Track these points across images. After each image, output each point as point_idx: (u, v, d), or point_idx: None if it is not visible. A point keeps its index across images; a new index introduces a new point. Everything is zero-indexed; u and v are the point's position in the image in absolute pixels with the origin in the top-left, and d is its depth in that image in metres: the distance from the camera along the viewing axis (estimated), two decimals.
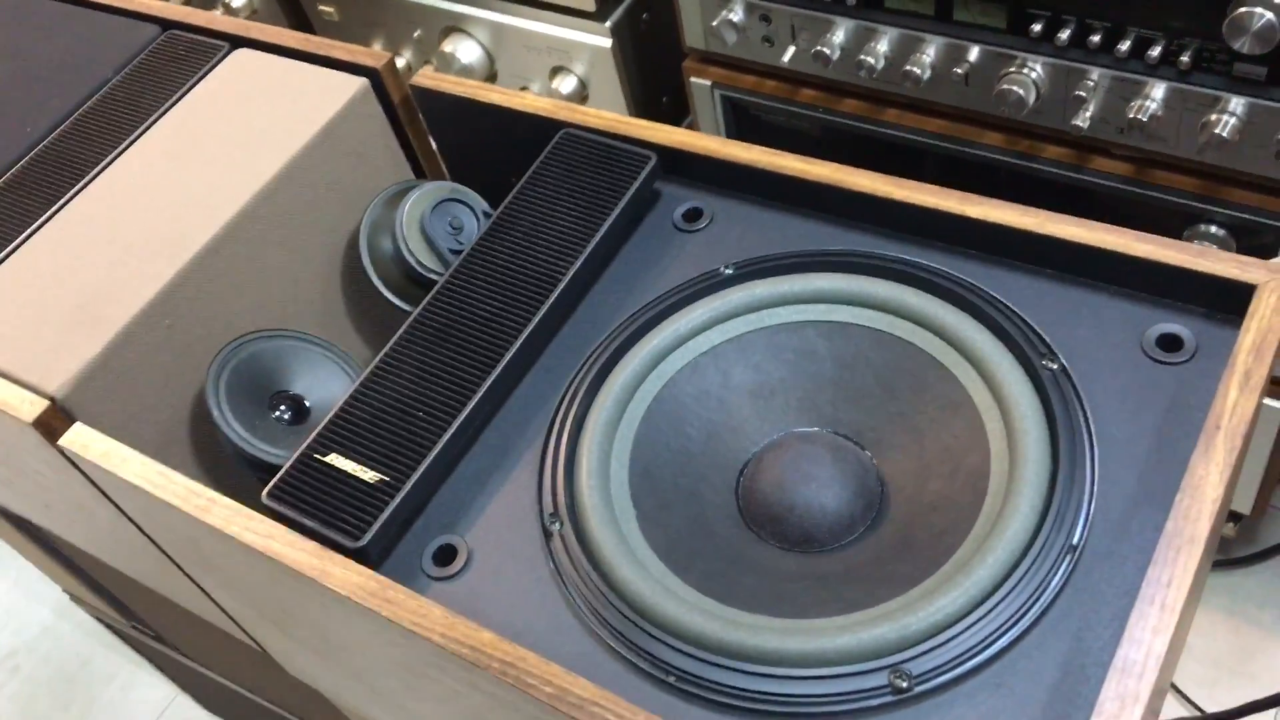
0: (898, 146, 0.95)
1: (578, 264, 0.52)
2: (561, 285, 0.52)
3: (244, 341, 0.55)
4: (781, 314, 0.49)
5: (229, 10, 1.39)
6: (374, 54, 0.64)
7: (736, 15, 0.94)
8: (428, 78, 0.63)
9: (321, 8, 1.28)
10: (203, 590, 0.62)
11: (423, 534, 0.46)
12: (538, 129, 0.59)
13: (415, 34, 1.22)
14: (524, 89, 1.15)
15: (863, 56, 0.89)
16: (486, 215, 0.61)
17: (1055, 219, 0.48)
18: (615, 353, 0.49)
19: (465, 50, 1.18)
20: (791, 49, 0.93)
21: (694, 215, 0.55)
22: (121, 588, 0.86)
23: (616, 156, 0.56)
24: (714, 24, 0.95)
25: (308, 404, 0.55)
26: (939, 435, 0.45)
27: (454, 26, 1.17)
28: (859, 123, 0.95)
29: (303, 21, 1.36)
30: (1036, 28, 0.80)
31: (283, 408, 0.55)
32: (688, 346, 0.49)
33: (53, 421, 0.52)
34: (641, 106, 1.14)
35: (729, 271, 0.51)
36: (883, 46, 0.88)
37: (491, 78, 1.19)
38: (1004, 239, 0.48)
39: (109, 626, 1.11)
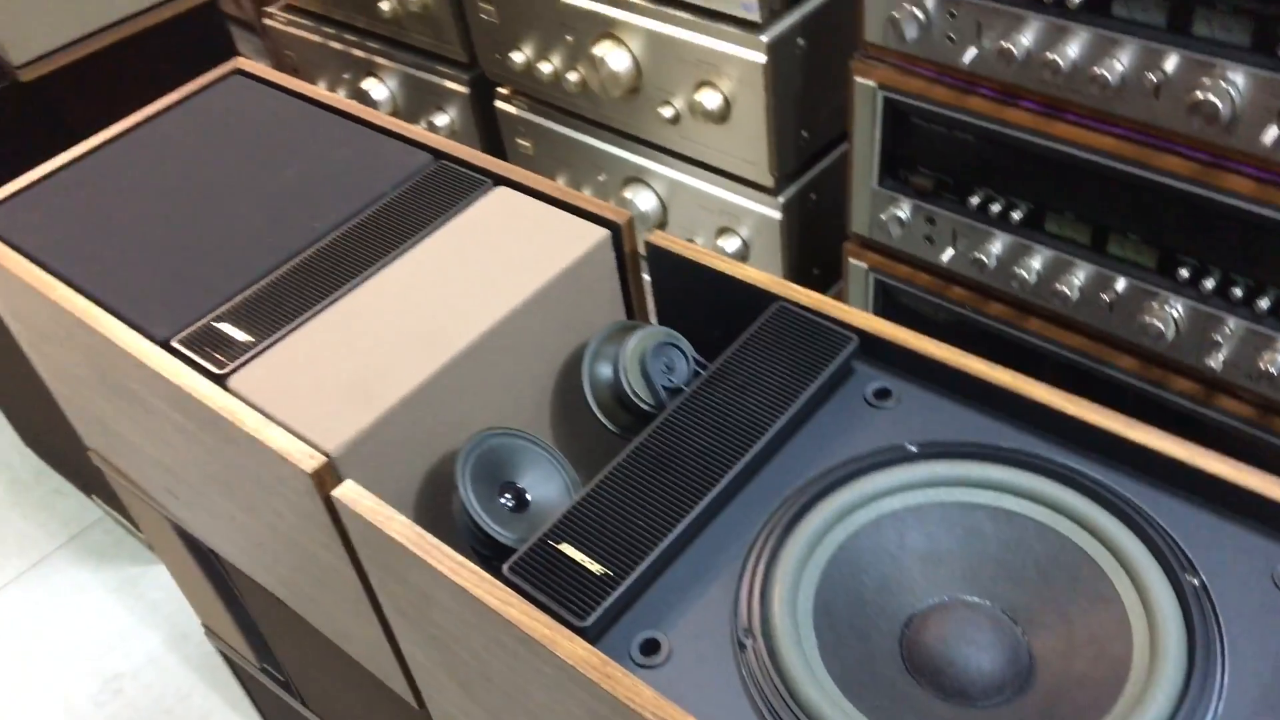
0: (1033, 351, 1.03)
1: (781, 421, 0.61)
2: (766, 437, 0.61)
3: (487, 435, 0.65)
4: (957, 493, 0.57)
5: (432, 127, 1.56)
6: (617, 210, 0.75)
7: (903, 213, 1.05)
8: (661, 238, 0.74)
9: (512, 162, 1.43)
10: (391, 642, 0.71)
11: (632, 625, 0.55)
12: (751, 296, 0.70)
13: (600, 178, 1.35)
14: (689, 240, 1.26)
15: (1017, 269, 0.98)
16: (698, 362, 0.70)
17: (1205, 454, 0.56)
18: (810, 501, 0.57)
19: (643, 199, 1.30)
20: (950, 251, 1.03)
21: (883, 394, 0.64)
22: (279, 629, 0.94)
23: (822, 333, 0.65)
24: (881, 217, 1.06)
25: (528, 496, 0.65)
26: (1088, 623, 0.52)
27: (635, 177, 1.31)
28: (1003, 326, 1.04)
29: (494, 139, 1.51)
30: (1184, 272, 0.89)
31: (508, 496, 0.64)
32: (872, 506, 0.57)
33: (324, 475, 0.62)
34: (794, 272, 1.25)
35: (913, 449, 0.59)
36: (1036, 263, 0.98)
37: (662, 225, 1.32)
38: (1159, 463, 0.56)
39: (231, 664, 1.19)
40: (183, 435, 0.75)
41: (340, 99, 0.92)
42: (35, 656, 1.50)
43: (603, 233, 0.74)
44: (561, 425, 0.76)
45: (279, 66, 1.76)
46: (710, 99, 1.13)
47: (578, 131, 1.35)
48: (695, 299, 0.74)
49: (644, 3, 1.14)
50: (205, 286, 0.75)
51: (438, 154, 0.84)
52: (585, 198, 0.77)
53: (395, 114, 1.63)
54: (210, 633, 1.16)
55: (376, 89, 1.62)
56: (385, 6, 1.50)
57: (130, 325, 0.73)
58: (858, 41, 0.99)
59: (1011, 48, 0.88)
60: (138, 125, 0.93)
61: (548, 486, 0.65)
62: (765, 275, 0.69)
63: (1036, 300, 1.00)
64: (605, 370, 0.70)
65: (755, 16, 1.05)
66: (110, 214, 0.83)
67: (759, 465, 0.61)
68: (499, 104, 1.43)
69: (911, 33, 0.93)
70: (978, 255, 1.00)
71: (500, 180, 0.81)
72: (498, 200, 0.79)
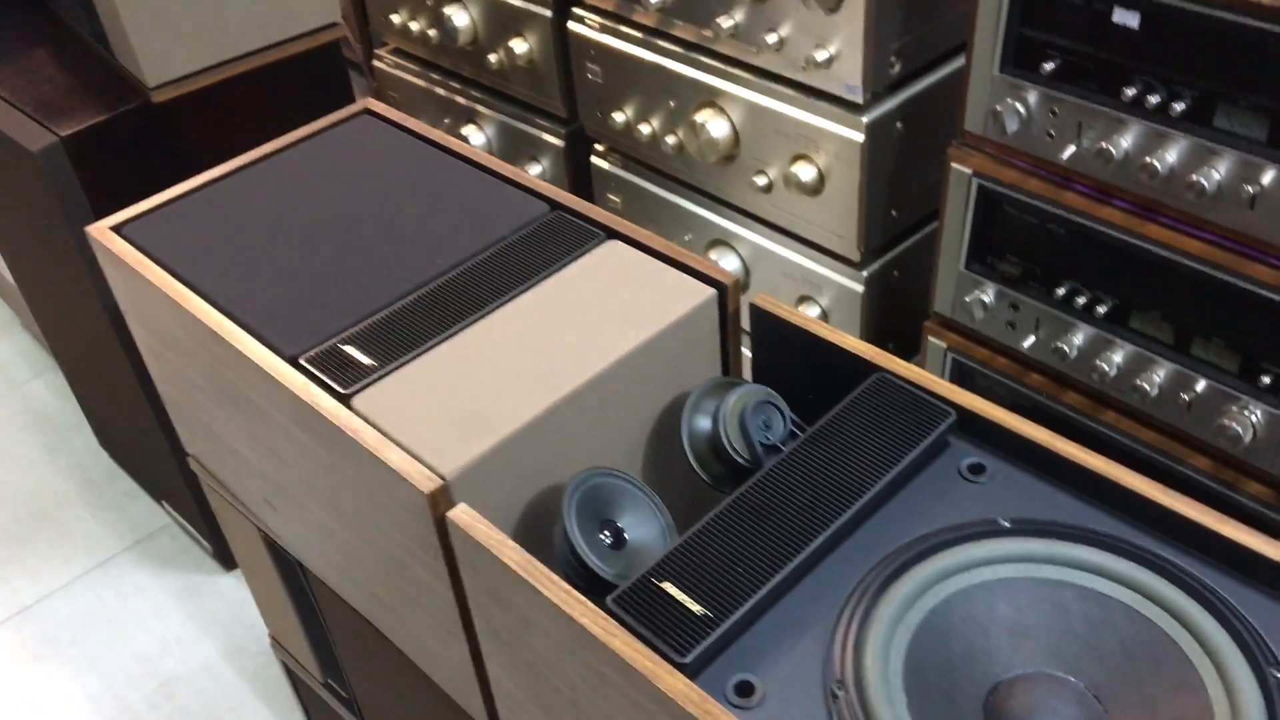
0: (1106, 442, 1.05)
1: (878, 486, 0.64)
2: (863, 500, 0.63)
3: (592, 474, 0.68)
4: (1047, 570, 0.59)
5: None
6: (722, 271, 0.79)
7: (988, 297, 1.08)
8: (766, 301, 0.77)
9: (609, 196, 1.48)
10: (476, 665, 0.74)
11: (727, 667, 0.57)
12: (850, 364, 0.73)
13: (686, 237, 1.40)
14: None
15: (1097, 361, 1.01)
16: (795, 423, 0.73)
17: None
18: (904, 565, 0.60)
19: (728, 261, 1.34)
20: (1032, 338, 1.06)
21: (978, 469, 0.66)
22: (353, 645, 0.97)
23: (921, 405, 0.68)
24: (965, 299, 1.09)
25: (626, 535, 0.68)
26: (1170, 707, 0.54)
27: (721, 240, 1.35)
28: (1078, 415, 1.06)
29: (584, 192, 1.56)
30: (1265, 380, 0.91)
31: (606, 533, 0.67)
32: (963, 576, 0.60)
33: (439, 497, 0.66)
34: (870, 343, 1.28)
35: (1006, 524, 0.62)
36: (1118, 358, 1.00)
37: (744, 288, 1.35)
38: (1246, 558, 0.58)
39: (292, 677, 1.22)
40: (297, 449, 0.79)
41: (462, 144, 0.97)
42: (94, 653, 1.54)
43: (709, 291, 0.78)
44: (652, 469, 0.79)
45: None
46: (805, 172, 1.17)
47: (668, 191, 1.39)
48: (792, 361, 0.77)
49: (749, 76, 1.19)
50: (333, 310, 0.80)
51: (554, 204, 0.89)
52: (693, 256, 0.81)
53: None
54: (276, 644, 1.19)
55: (475, 135, 1.68)
56: (493, 59, 1.57)
57: (260, 340, 0.77)
58: (957, 130, 1.03)
59: (1110, 149, 0.91)
60: (271, 154, 0.99)
61: (645, 528, 0.68)
62: (867, 345, 0.72)
63: (1114, 394, 1.02)
64: (704, 422, 0.74)
65: (858, 99, 1.09)
66: (243, 235, 0.88)
67: (854, 526, 0.64)
68: (594, 159, 1.48)
69: (1013, 126, 0.97)
70: (1059, 345, 1.03)
71: (612, 234, 0.85)
72: (611, 252, 0.83)
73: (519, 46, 1.51)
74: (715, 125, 1.24)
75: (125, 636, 1.56)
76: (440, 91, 1.72)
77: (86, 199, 1.27)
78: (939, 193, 1.05)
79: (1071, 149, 0.95)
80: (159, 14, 1.20)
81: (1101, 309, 1.00)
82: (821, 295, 1.26)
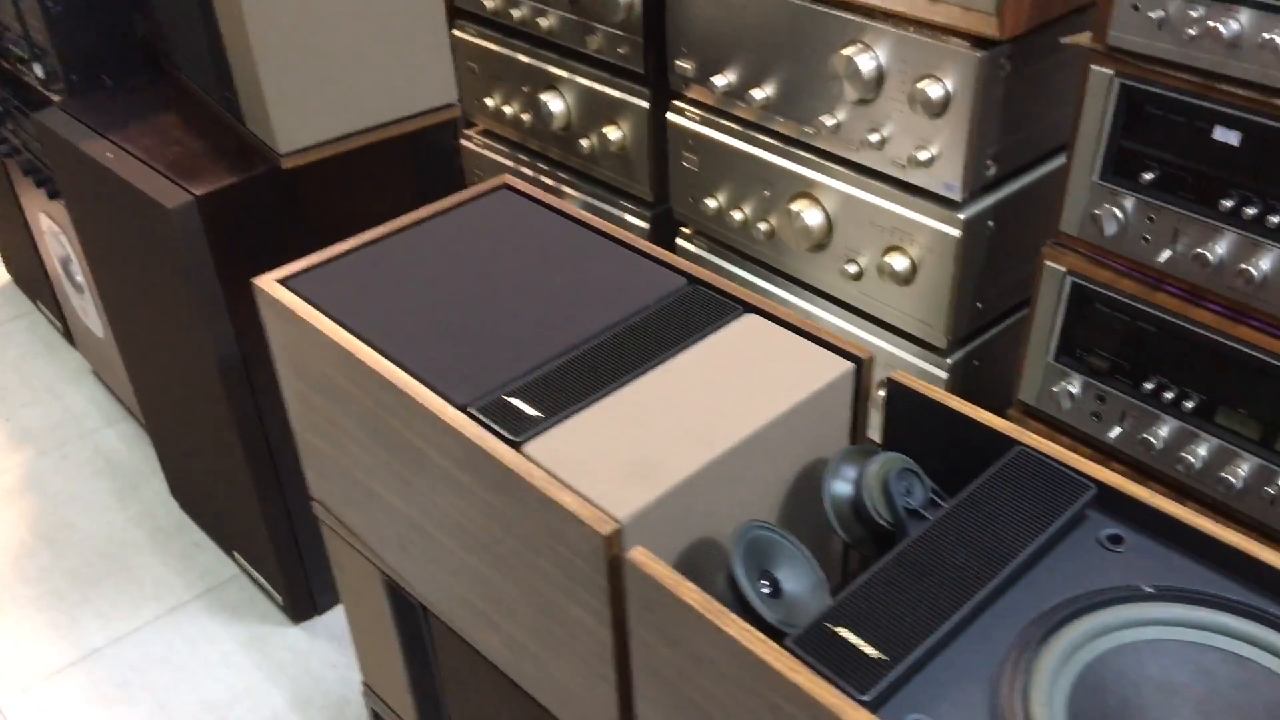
0: None
1: (1026, 551, 0.69)
2: (1014, 563, 0.69)
3: (753, 526, 0.73)
4: (1192, 634, 0.64)
5: None
6: (860, 347, 0.85)
7: (1074, 388, 1.14)
8: (903, 377, 0.83)
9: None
10: (623, 704, 0.78)
11: (901, 705, 0.62)
12: (987, 438, 0.78)
13: None
14: None
15: (1182, 454, 1.06)
16: (935, 491, 0.79)
17: None
18: (1059, 622, 0.65)
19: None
20: (1117, 429, 1.12)
21: (1117, 540, 0.71)
22: (464, 691, 1.01)
23: (1061, 479, 0.74)
24: (1052, 389, 1.15)
25: (782, 585, 0.73)
26: None
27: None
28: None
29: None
30: None
31: (765, 582, 0.72)
32: (1113, 635, 0.64)
33: (614, 539, 0.71)
34: None
35: (1149, 590, 0.67)
36: (1203, 451, 1.05)
37: None
38: None
39: None
40: (457, 493, 0.84)
41: (597, 219, 1.04)
42: (164, 698, 1.56)
43: (848, 365, 0.84)
44: (801, 527, 0.84)
45: (469, 183, 1.92)
46: (899, 262, 1.24)
47: (755, 276, 1.46)
48: (926, 431, 0.83)
49: (846, 170, 1.27)
50: (494, 365, 0.86)
51: (690, 278, 0.95)
52: (827, 331, 0.87)
53: None
54: (370, 691, 1.22)
55: None
56: (584, 143, 1.66)
57: (431, 389, 0.83)
58: (1051, 230, 1.10)
59: (1206, 254, 0.98)
60: (419, 222, 1.06)
61: (799, 580, 0.73)
62: (1005, 421, 0.78)
63: (1198, 486, 1.07)
64: (845, 486, 0.79)
65: (957, 196, 1.17)
66: (402, 293, 0.95)
67: (1005, 587, 0.69)
68: (681, 242, 1.56)
69: (1111, 230, 1.04)
70: (1144, 436, 1.08)
71: (748, 308, 0.92)
72: (752, 325, 0.89)
73: (612, 133, 1.60)
74: (810, 215, 1.32)
75: (194, 683, 1.58)
76: (526, 171, 1.81)
77: (211, 256, 1.34)
78: (1021, 287, 1.12)
79: (1167, 253, 1.02)
80: (296, 87, 1.29)
81: (1188, 404, 1.05)
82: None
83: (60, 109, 1.53)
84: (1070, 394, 1.14)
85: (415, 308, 0.93)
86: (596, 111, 1.62)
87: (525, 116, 1.75)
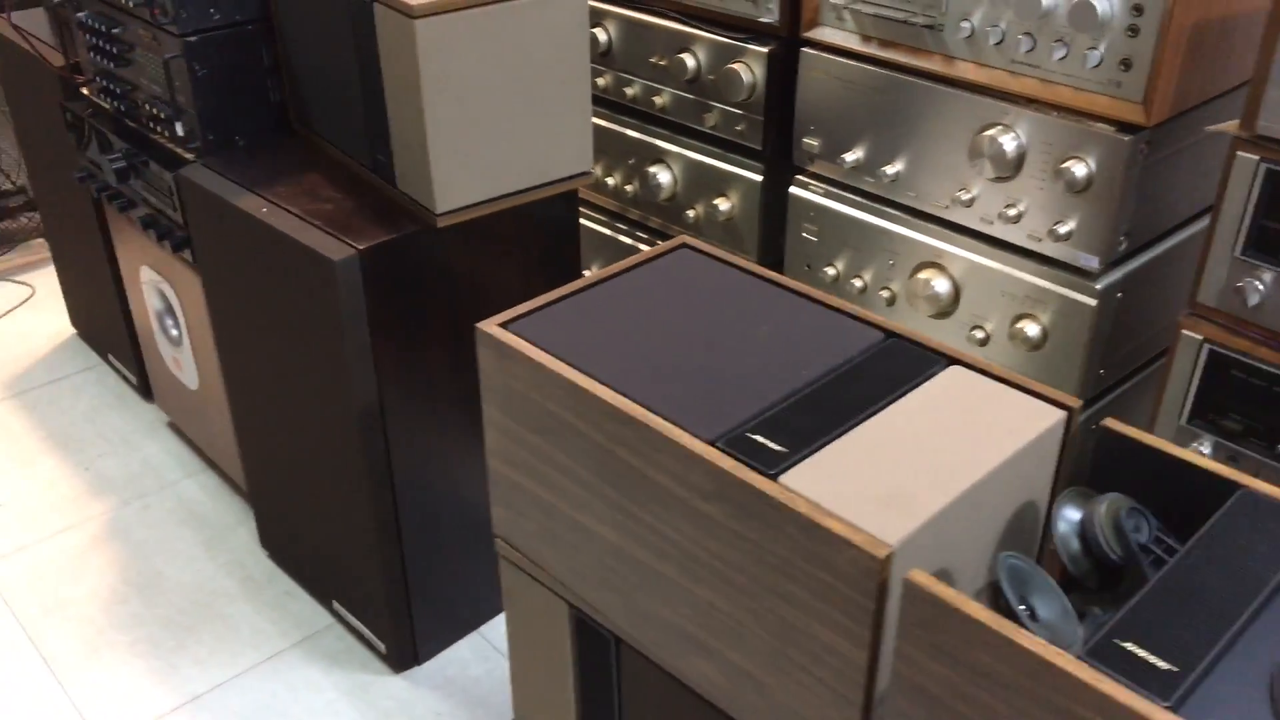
0: None
1: (1263, 594, 0.76)
2: (1267, 589, 0.75)
3: (1008, 556, 0.79)
4: None
5: None
6: (1068, 397, 0.92)
7: (1206, 448, 1.21)
8: (1117, 424, 0.90)
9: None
10: None
11: (1193, 711, 0.67)
12: (1206, 482, 0.85)
13: None
14: None
15: None
16: (1160, 530, 0.85)
17: None
18: None
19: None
20: None
21: None
22: None
23: None
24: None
25: (1038, 612, 0.78)
26: None
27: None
28: None
29: None
30: None
31: (1024, 607, 0.78)
32: None
33: (886, 563, 0.77)
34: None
35: None
36: None
37: None
38: None
39: None
40: (695, 523, 0.89)
41: (779, 276, 1.11)
42: None
43: (1059, 414, 0.91)
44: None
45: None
46: (1030, 329, 1.32)
47: None
48: (1138, 475, 0.89)
49: (978, 242, 1.36)
50: (727, 404, 0.92)
51: (889, 333, 1.02)
52: (1031, 382, 0.94)
53: None
54: None
55: None
56: (690, 214, 1.75)
57: (677, 425, 0.89)
58: (1188, 301, 1.19)
59: None
60: (606, 279, 1.12)
61: (1050, 606, 0.79)
62: (1224, 466, 0.85)
63: None
64: (1072, 523, 0.85)
65: (1094, 268, 1.26)
66: (613, 339, 1.01)
67: (1260, 610, 0.75)
68: None
69: (1253, 301, 1.13)
70: None
71: (951, 360, 0.99)
72: (958, 376, 0.96)
73: (722, 204, 1.68)
74: (938, 283, 1.40)
75: None
76: (625, 240, 1.89)
77: (365, 309, 1.39)
78: (1136, 354, 1.20)
79: None
80: (457, 153, 1.36)
81: None
82: None
83: (204, 166, 1.59)
84: (1202, 455, 1.22)
85: (635, 352, 0.99)
86: (706, 183, 1.71)
87: (629, 187, 1.84)
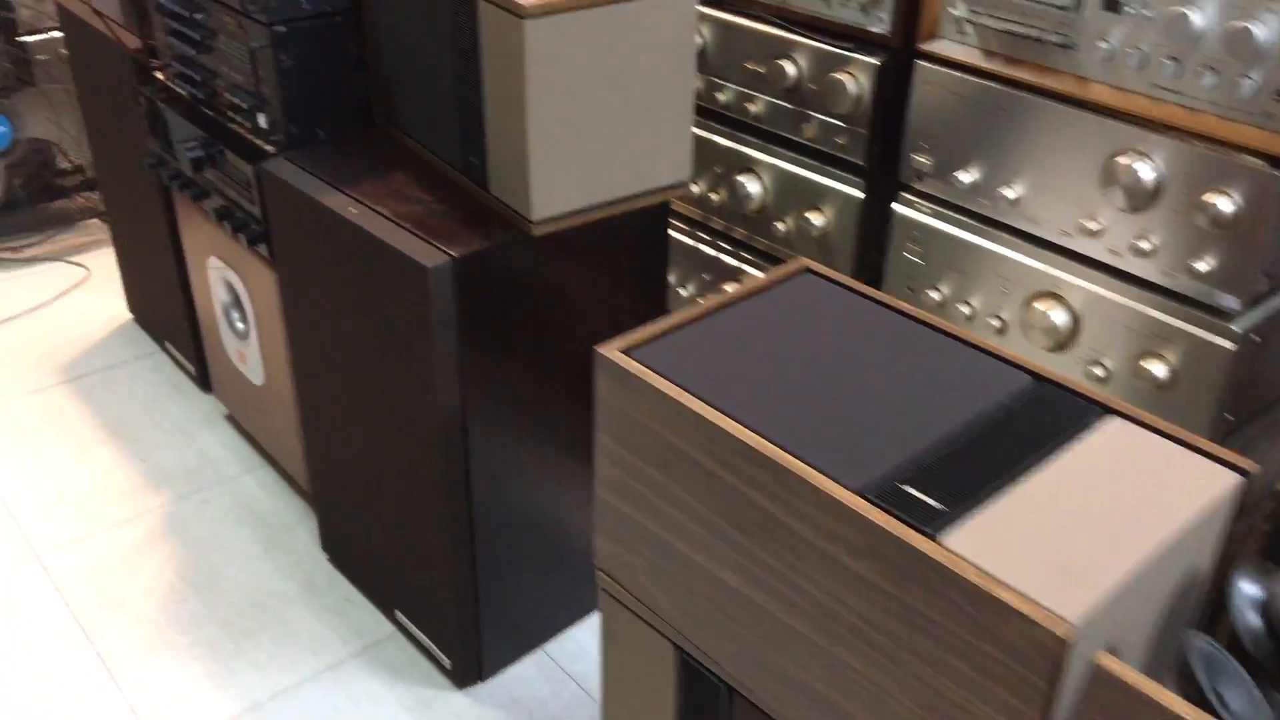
0: None
1: None
2: None
3: (1195, 636, 0.73)
4: None
5: None
6: (1244, 459, 0.86)
7: None
8: None
9: None
10: None
11: None
12: None
13: None
14: None
15: None
16: None
17: None
18: None
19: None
20: None
21: None
22: None
23: None
24: None
25: (1228, 700, 0.72)
26: None
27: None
28: None
29: None
30: None
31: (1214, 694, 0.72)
32: None
33: (1066, 642, 0.70)
34: None
35: None
36: None
37: None
38: None
39: None
40: (837, 578, 0.83)
41: (906, 305, 1.05)
42: None
43: (1234, 478, 0.85)
44: (1161, 637, 0.84)
45: None
46: (1157, 369, 1.25)
47: None
48: None
49: (1102, 274, 1.29)
50: (872, 451, 0.86)
51: (1038, 377, 0.96)
52: (1203, 439, 0.88)
53: None
54: None
55: None
56: (780, 226, 1.68)
57: (820, 471, 0.83)
58: None
59: None
60: (724, 305, 1.06)
61: (1239, 694, 0.73)
62: None
63: None
64: (1253, 601, 0.79)
65: (1236, 308, 1.19)
66: (742, 371, 0.95)
67: None
68: None
69: None
70: None
71: (1104, 408, 0.92)
72: (1120, 430, 0.90)
73: (816, 219, 1.62)
74: (1055, 314, 1.33)
75: None
76: (707, 250, 1.83)
77: (455, 317, 1.34)
78: (1262, 399, 1.13)
79: None
80: (557, 159, 1.31)
81: None
82: None
83: (286, 160, 1.54)
84: None
85: (766, 386, 0.93)
86: (799, 196, 1.64)
87: (714, 196, 1.78)
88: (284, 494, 2.00)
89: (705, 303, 1.06)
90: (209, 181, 1.75)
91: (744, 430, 0.87)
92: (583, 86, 1.28)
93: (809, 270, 1.11)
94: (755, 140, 1.70)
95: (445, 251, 1.31)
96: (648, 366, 0.95)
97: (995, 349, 0.99)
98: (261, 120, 1.58)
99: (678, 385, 0.92)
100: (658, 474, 0.96)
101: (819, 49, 1.54)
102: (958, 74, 1.37)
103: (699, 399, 0.91)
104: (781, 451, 0.85)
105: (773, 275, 1.11)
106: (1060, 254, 1.33)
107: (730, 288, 1.79)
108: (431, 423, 1.40)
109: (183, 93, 1.79)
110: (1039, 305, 1.34)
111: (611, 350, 0.96)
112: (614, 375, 0.96)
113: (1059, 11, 1.25)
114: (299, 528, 1.92)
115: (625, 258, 1.52)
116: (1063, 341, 1.34)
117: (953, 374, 0.95)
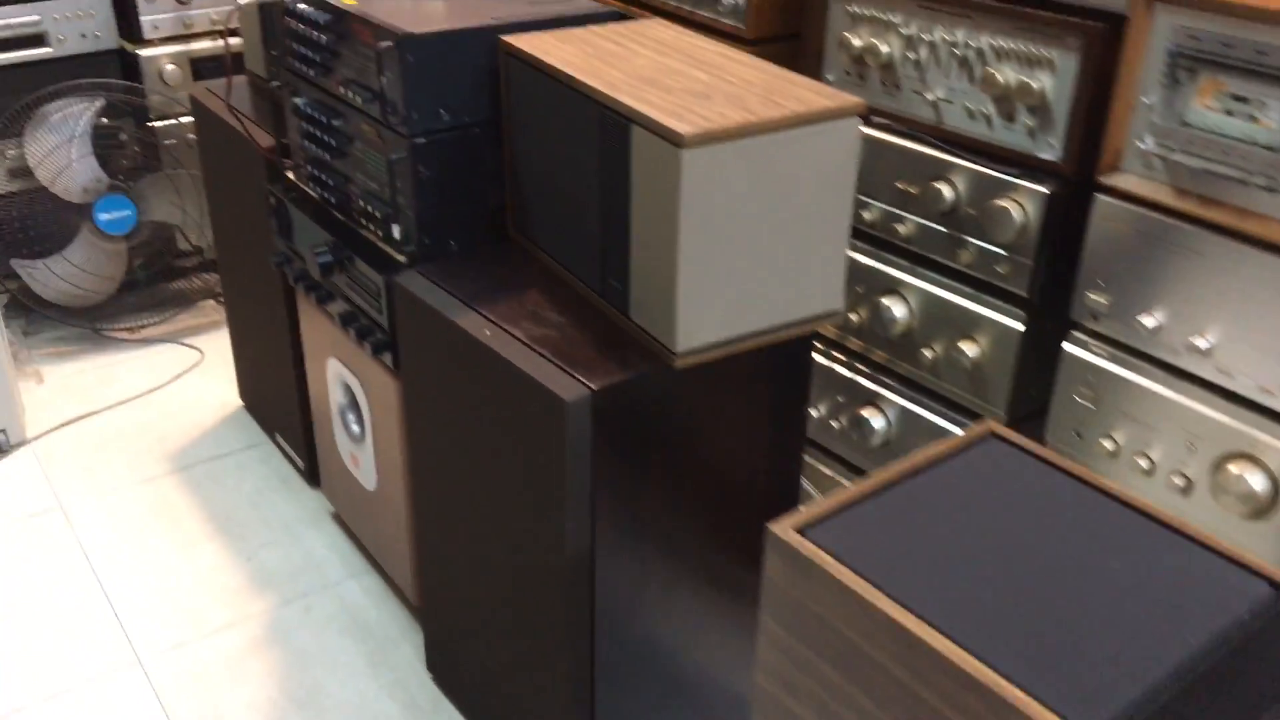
0: None
1: None
2: None
3: None
4: None
5: None
6: None
7: None
8: None
9: None
10: None
11: None
12: None
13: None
14: None
15: None
16: None
17: None
18: None
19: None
20: None
21: None
22: None
23: None
24: None
25: None
26: None
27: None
28: None
29: None
30: None
31: None
32: None
33: None
34: None
35: None
36: None
37: None
38: None
39: None
40: None
41: (1103, 480, 0.94)
42: None
43: None
44: None
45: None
46: (1255, 480, 1.11)
47: None
48: None
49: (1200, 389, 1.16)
50: (1095, 678, 0.74)
51: (1276, 585, 0.84)
52: None
53: (886, 444, 1.68)
54: None
55: (875, 418, 1.68)
56: (927, 354, 1.58)
57: (1031, 696, 0.72)
58: None
59: None
60: (906, 474, 0.96)
61: None
62: None
63: None
64: None
65: None
66: (932, 561, 0.85)
67: None
68: None
69: None
70: None
71: None
72: None
73: (969, 349, 1.51)
74: (1253, 478, 1.20)
75: None
76: (842, 371, 1.73)
77: (590, 452, 1.26)
78: None
79: None
80: (705, 288, 1.23)
81: None
82: None
83: (419, 273, 1.50)
84: None
85: (963, 583, 0.82)
86: (950, 323, 1.54)
87: (854, 316, 1.69)
88: (389, 603, 1.93)
89: (884, 472, 0.96)
90: (335, 286, 1.72)
91: (949, 644, 0.77)
92: (737, 215, 1.21)
93: (994, 435, 1.01)
94: (902, 262, 1.60)
95: (584, 383, 1.24)
96: (826, 550, 0.85)
97: (1222, 547, 0.87)
98: (395, 230, 1.54)
99: (864, 578, 0.82)
100: (834, 673, 0.86)
101: (982, 174, 1.45)
102: (1144, 210, 1.26)
103: (891, 599, 0.81)
104: (996, 676, 0.74)
105: (957, 441, 1.00)
106: (1258, 412, 1.21)
107: (868, 411, 1.69)
108: (557, 555, 1.32)
109: (313, 195, 1.77)
110: (1233, 468, 1.21)
111: (784, 529, 0.87)
112: (788, 557, 0.87)
113: (1266, 152, 1.14)
114: (404, 642, 1.85)
115: (767, 388, 1.43)
116: (1261, 509, 1.20)
117: (1176, 576, 0.84)
